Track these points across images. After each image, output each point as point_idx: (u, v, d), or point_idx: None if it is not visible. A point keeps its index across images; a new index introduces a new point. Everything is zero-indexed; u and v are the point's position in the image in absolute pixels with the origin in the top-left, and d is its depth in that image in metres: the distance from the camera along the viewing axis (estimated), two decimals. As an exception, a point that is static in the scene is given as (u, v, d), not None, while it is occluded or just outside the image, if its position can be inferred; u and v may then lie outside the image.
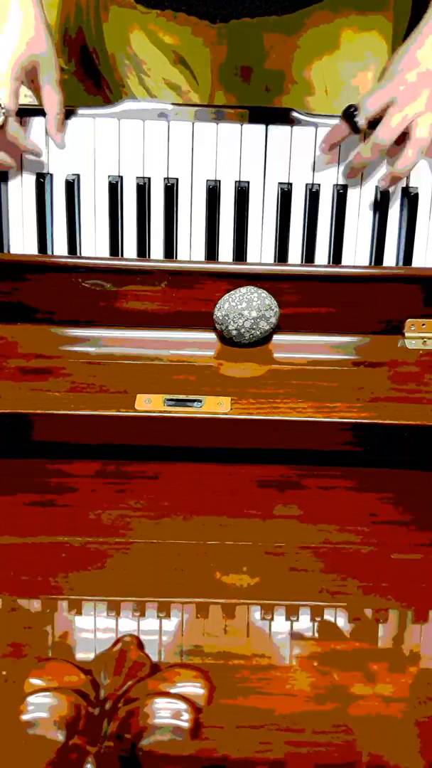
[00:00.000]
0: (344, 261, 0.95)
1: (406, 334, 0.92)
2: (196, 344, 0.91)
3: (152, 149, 0.93)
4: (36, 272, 0.90)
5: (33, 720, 0.56)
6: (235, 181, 0.94)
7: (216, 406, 0.81)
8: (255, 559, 0.73)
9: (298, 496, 0.80)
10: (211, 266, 0.92)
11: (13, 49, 0.86)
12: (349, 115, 0.90)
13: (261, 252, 0.95)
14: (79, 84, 1.10)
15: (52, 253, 0.95)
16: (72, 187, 0.93)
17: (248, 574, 0.72)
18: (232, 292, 0.89)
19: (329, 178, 0.94)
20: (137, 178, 0.93)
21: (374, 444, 0.81)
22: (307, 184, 0.94)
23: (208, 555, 0.74)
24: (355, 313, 0.91)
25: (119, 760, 0.54)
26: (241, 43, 0.98)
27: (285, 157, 0.93)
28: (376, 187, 0.94)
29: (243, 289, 0.89)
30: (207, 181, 0.93)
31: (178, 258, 0.95)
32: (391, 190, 0.93)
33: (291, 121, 0.92)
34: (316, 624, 0.68)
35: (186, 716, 0.56)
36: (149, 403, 0.81)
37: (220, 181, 0.93)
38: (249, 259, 0.95)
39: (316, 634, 0.67)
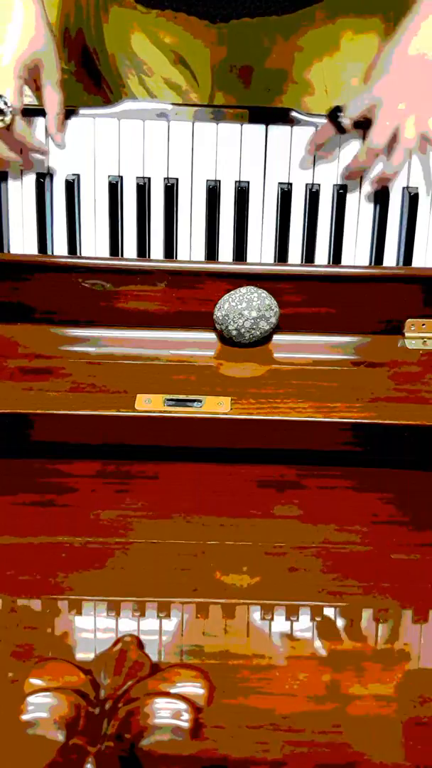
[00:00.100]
0: (344, 261, 0.95)
1: (406, 334, 0.92)
2: (196, 344, 0.91)
3: (152, 149, 0.93)
4: (36, 272, 0.90)
5: (33, 720, 0.56)
6: (235, 181, 0.94)
7: (216, 406, 0.81)
8: (255, 559, 0.73)
9: (298, 496, 0.80)
10: (211, 266, 0.92)
11: (16, 47, 0.86)
12: (334, 116, 0.90)
13: (261, 252, 0.95)
14: (79, 84, 1.10)
15: (52, 253, 0.95)
16: (72, 187, 0.93)
17: (248, 574, 0.72)
18: (232, 292, 0.89)
19: (329, 178, 0.94)
20: (137, 178, 0.93)
21: (374, 444, 0.81)
22: (307, 184, 0.94)
23: (208, 555, 0.74)
24: (355, 313, 0.91)
25: (119, 760, 0.54)
26: (241, 43, 0.98)
27: (285, 157, 0.93)
28: (376, 187, 0.94)
29: (243, 289, 0.89)
30: (207, 181, 0.93)
31: (178, 258, 0.95)
32: (391, 190, 0.93)
33: (291, 121, 0.92)
34: (316, 624, 0.68)
35: (186, 716, 0.56)
36: (149, 403, 0.81)
37: (220, 181, 0.93)
38: (249, 259, 0.95)
39: (316, 634, 0.67)
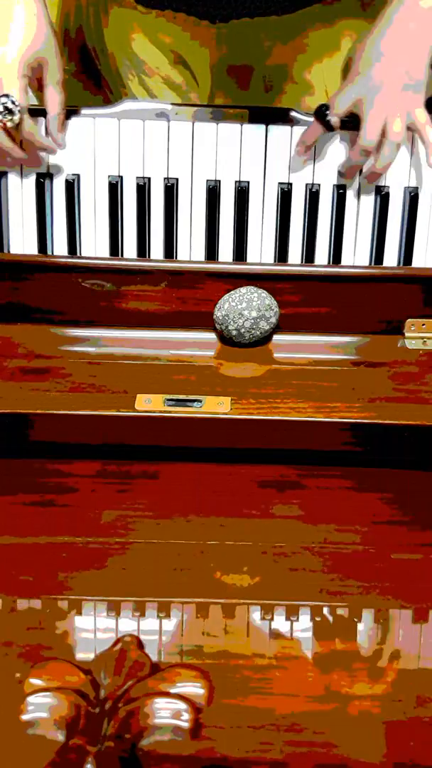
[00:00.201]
0: (344, 261, 0.95)
1: (406, 334, 0.92)
2: (196, 344, 0.91)
3: (152, 149, 0.93)
4: (36, 272, 0.90)
5: (33, 720, 0.56)
6: (235, 181, 0.94)
7: (216, 406, 0.81)
8: (255, 559, 0.73)
9: (298, 496, 0.80)
10: (211, 266, 0.92)
11: (19, 47, 0.86)
12: (321, 114, 0.90)
13: (261, 252, 0.95)
14: (79, 84, 1.10)
15: (52, 253, 0.95)
16: (72, 187, 0.93)
17: (248, 574, 0.72)
18: (232, 292, 0.89)
19: (329, 178, 0.94)
20: (137, 178, 0.93)
21: (374, 444, 0.81)
22: (307, 184, 0.94)
23: (208, 555, 0.74)
24: (355, 313, 0.91)
25: (119, 760, 0.54)
26: (241, 43, 0.98)
27: (285, 157, 0.93)
28: (377, 187, 0.94)
29: (243, 289, 0.89)
30: (207, 181, 0.93)
31: (178, 258, 0.95)
32: (392, 190, 0.93)
33: (291, 121, 0.92)
34: (316, 624, 0.68)
35: (186, 716, 0.56)
36: (149, 403, 0.81)
37: (220, 181, 0.93)
38: (249, 259, 0.95)
39: (316, 634, 0.67)
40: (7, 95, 0.84)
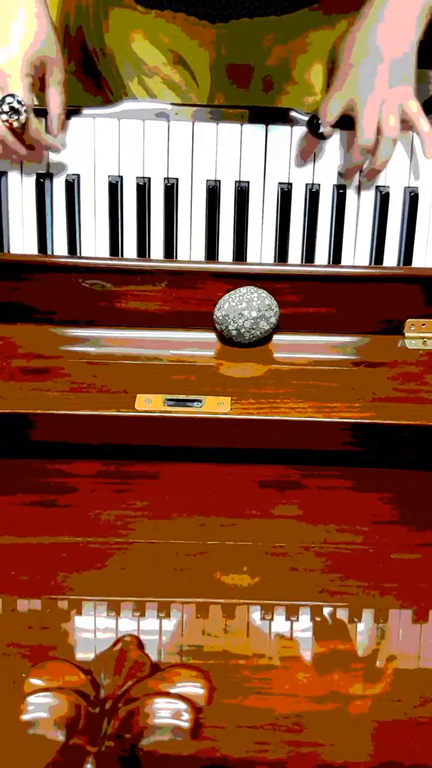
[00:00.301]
0: (344, 261, 0.95)
1: (406, 334, 0.92)
2: (196, 344, 0.91)
3: (152, 149, 0.93)
4: (36, 272, 0.90)
5: (33, 720, 0.56)
6: (235, 181, 0.94)
7: (216, 406, 0.81)
8: (255, 559, 0.73)
9: (298, 496, 0.80)
10: (211, 266, 0.92)
11: (23, 46, 0.86)
12: (313, 126, 0.90)
13: (261, 252, 0.95)
14: (79, 84, 1.10)
15: (52, 253, 0.95)
16: (72, 187, 0.93)
17: (248, 574, 0.72)
18: (232, 292, 0.89)
19: (329, 178, 0.94)
20: (137, 178, 0.93)
21: (374, 444, 0.81)
22: (307, 184, 0.94)
23: (208, 555, 0.74)
24: (355, 313, 0.91)
25: (119, 760, 0.54)
26: (240, 43, 0.98)
27: (285, 157, 0.93)
28: (376, 187, 0.94)
29: (243, 289, 0.89)
30: (207, 181, 0.93)
31: (178, 258, 0.95)
32: (392, 190, 0.93)
33: (291, 121, 0.92)
34: (316, 624, 0.68)
35: (186, 716, 0.56)
36: (149, 403, 0.81)
37: (220, 181, 0.93)
38: (249, 259, 0.95)
39: (316, 634, 0.67)
40: (12, 95, 0.84)
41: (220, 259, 0.95)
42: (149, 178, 0.93)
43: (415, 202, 0.93)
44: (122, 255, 0.95)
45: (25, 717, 0.56)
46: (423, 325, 0.91)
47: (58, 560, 0.72)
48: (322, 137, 0.91)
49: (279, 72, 1.01)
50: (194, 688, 0.59)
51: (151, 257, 0.95)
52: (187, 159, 0.93)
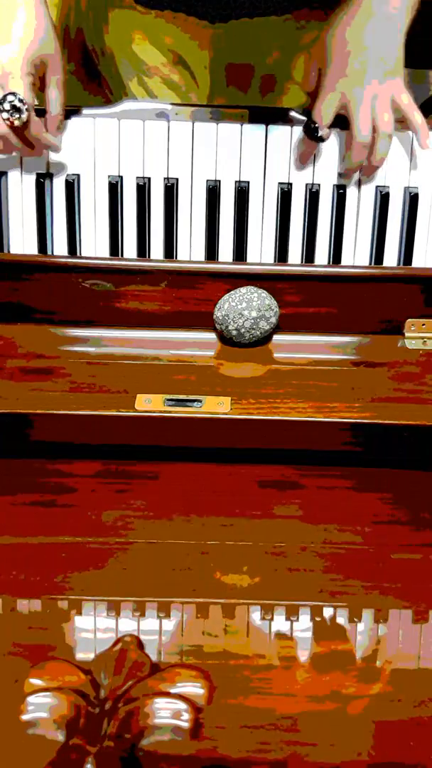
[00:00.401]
0: (344, 261, 0.95)
1: (406, 334, 0.92)
2: (196, 344, 0.91)
3: (152, 149, 0.93)
4: (36, 272, 0.90)
5: (33, 720, 0.56)
6: (235, 181, 0.94)
7: (216, 406, 0.81)
8: (255, 559, 0.73)
9: (299, 496, 0.80)
10: (211, 266, 0.92)
11: (23, 45, 0.86)
12: (311, 131, 0.90)
13: (261, 252, 0.95)
14: (79, 84, 1.10)
15: (52, 253, 0.95)
16: (72, 187, 0.93)
17: (248, 574, 0.72)
18: (232, 292, 0.89)
19: (329, 178, 0.94)
20: (137, 178, 0.93)
21: (374, 444, 0.81)
22: (307, 184, 0.94)
23: (208, 555, 0.74)
24: (355, 313, 0.91)
25: (119, 760, 0.54)
26: (240, 43, 0.98)
27: (285, 157, 0.93)
28: (376, 187, 0.94)
29: (243, 289, 0.89)
30: (207, 181, 0.93)
31: (178, 258, 0.95)
32: (392, 190, 0.93)
33: (290, 121, 0.93)
34: (316, 624, 0.68)
35: (186, 716, 0.56)
36: (149, 403, 0.81)
37: (220, 181, 0.93)
38: (249, 259, 0.95)
39: (316, 634, 0.67)
40: (14, 93, 0.84)
41: (220, 259, 0.95)
42: (149, 178, 0.93)
43: (415, 202, 0.93)
44: (122, 255, 0.95)
45: (25, 717, 0.56)
46: (423, 325, 0.91)
47: (58, 560, 0.72)
48: (321, 140, 0.91)
49: (279, 72, 1.01)
50: (194, 688, 0.59)
51: (151, 257, 0.95)
52: (187, 159, 0.93)
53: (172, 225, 0.94)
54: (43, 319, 0.91)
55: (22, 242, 0.95)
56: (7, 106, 0.84)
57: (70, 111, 0.92)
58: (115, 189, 0.93)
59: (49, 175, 0.94)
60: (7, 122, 0.85)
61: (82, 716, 0.56)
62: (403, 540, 0.76)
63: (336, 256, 0.95)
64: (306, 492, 0.81)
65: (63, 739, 0.55)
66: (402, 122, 0.91)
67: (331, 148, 0.93)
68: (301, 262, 0.95)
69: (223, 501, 0.79)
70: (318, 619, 0.68)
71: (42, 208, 0.94)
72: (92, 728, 0.55)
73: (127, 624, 0.67)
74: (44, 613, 0.69)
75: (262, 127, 0.92)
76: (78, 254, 0.95)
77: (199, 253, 0.95)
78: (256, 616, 0.69)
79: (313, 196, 0.93)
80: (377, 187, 0.94)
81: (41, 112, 0.91)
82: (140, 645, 0.62)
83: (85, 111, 0.93)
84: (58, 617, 0.69)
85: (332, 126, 0.91)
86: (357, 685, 0.61)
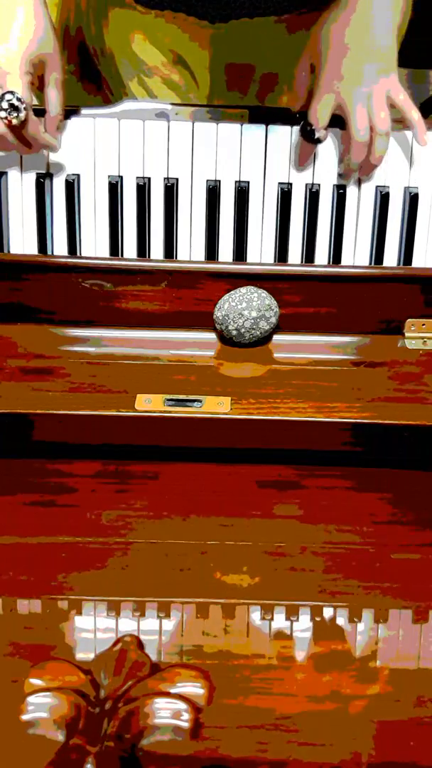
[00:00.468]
0: (344, 261, 0.95)
1: (406, 334, 0.92)
2: (196, 344, 0.91)
3: (152, 149, 0.93)
4: (36, 272, 0.90)
5: (33, 720, 0.56)
6: (235, 181, 0.94)
7: (216, 406, 0.81)
8: (255, 559, 0.73)
9: (298, 496, 0.80)
10: (211, 266, 0.92)
11: (22, 44, 0.86)
12: (308, 133, 0.90)
13: (261, 252, 0.95)
14: (79, 84, 1.10)
15: (52, 253, 0.95)
16: (72, 187, 0.93)
17: (248, 574, 0.72)
18: (232, 292, 0.89)
19: (329, 178, 0.94)
20: (137, 178, 0.93)
21: (374, 444, 0.81)
22: (307, 184, 0.94)
23: (208, 555, 0.74)
24: (355, 313, 0.91)
25: (119, 760, 0.54)
26: (240, 43, 0.98)
27: (285, 157, 0.93)
28: (376, 187, 0.94)
29: (243, 289, 0.89)
30: (207, 181, 0.93)
31: (178, 258, 0.95)
32: (392, 190, 0.93)
33: (291, 121, 0.92)
34: (316, 624, 0.68)
35: (186, 716, 0.56)
36: (149, 403, 0.81)
37: (220, 181, 0.93)
38: (249, 259, 0.95)
39: (316, 634, 0.67)
40: (12, 92, 0.84)
41: (220, 259, 0.95)
42: (149, 178, 0.93)
43: (415, 202, 0.93)
44: (122, 255, 0.95)
45: (25, 717, 0.56)
46: (423, 325, 0.91)
47: (58, 560, 0.72)
48: (318, 142, 0.91)
49: (279, 72, 1.01)
50: (194, 688, 0.59)
51: (151, 257, 0.95)
52: (187, 159, 0.93)
53: (172, 225, 0.94)
54: (43, 319, 0.91)
55: (22, 242, 0.95)
56: (5, 104, 0.84)
57: (70, 111, 0.92)
58: (115, 189, 0.93)
59: (49, 175, 0.94)
60: (5, 121, 0.85)
61: (82, 716, 0.56)
62: (403, 540, 0.76)
63: (336, 256, 0.95)
64: (306, 492, 0.81)
65: (63, 739, 0.55)
66: (401, 122, 0.91)
67: (330, 147, 0.93)
68: (301, 262, 0.95)
69: (223, 501, 0.79)
70: (318, 619, 0.68)
71: (42, 208, 0.94)
72: (92, 728, 0.55)
73: (127, 624, 0.67)
74: (44, 613, 0.69)
75: (262, 127, 0.92)
76: (78, 254, 0.95)
77: (199, 253, 0.95)
78: (256, 616, 0.69)
79: (313, 196, 0.93)
80: (377, 187, 0.94)
81: (41, 112, 0.91)
82: (140, 645, 0.62)
83: (84, 111, 0.93)
84: (58, 617, 0.69)
85: (331, 125, 0.91)
86: (357, 685, 0.61)
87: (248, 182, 0.93)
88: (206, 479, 0.81)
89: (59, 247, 0.95)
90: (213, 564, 0.73)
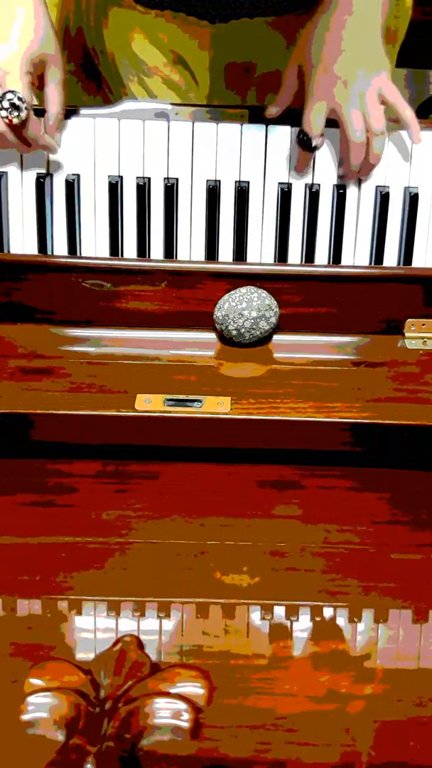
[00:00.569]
0: (344, 261, 0.95)
1: (406, 334, 0.92)
2: (196, 344, 0.91)
3: (152, 149, 0.93)
4: (36, 272, 0.90)
5: (33, 720, 0.56)
6: (235, 181, 0.94)
7: (216, 406, 0.81)
8: (255, 559, 0.73)
9: (299, 496, 0.80)
10: (211, 266, 0.92)
11: (23, 44, 0.86)
12: (304, 142, 0.91)
13: (261, 252, 0.95)
14: (79, 84, 1.10)
15: (52, 253, 0.95)
16: (72, 187, 0.93)
17: (248, 574, 0.72)
18: (232, 292, 0.89)
19: (329, 178, 0.94)
20: (137, 178, 0.93)
21: (374, 444, 0.81)
22: (307, 184, 0.94)
23: (208, 555, 0.74)
24: (355, 313, 0.91)
25: (119, 760, 0.54)
26: (240, 43, 0.98)
27: (285, 157, 0.93)
28: (376, 187, 0.94)
29: (243, 289, 0.89)
30: (207, 181, 0.93)
31: (178, 258, 0.95)
32: (392, 190, 0.93)
33: (291, 121, 0.92)
34: (315, 624, 0.68)
35: (186, 716, 0.56)
36: (149, 403, 0.81)
37: (220, 181, 0.93)
38: (249, 259, 0.95)
39: (316, 634, 0.67)
40: (12, 91, 0.84)
41: (220, 259, 0.95)
42: (149, 178, 0.93)
43: (415, 202, 0.93)
44: (122, 255, 0.95)
45: (25, 717, 0.56)
46: (423, 325, 0.91)
47: (58, 560, 0.72)
48: (315, 149, 0.91)
49: (279, 72, 1.01)
50: (194, 688, 0.59)
51: (151, 257, 0.95)
52: (187, 159, 0.93)
53: (172, 225, 0.94)
54: (43, 319, 0.91)
55: (22, 242, 0.95)
56: (6, 104, 0.84)
57: (70, 111, 0.92)
58: (115, 189, 0.93)
59: (49, 175, 0.94)
60: (6, 120, 0.85)
61: (82, 716, 0.56)
62: (403, 540, 0.76)
63: (336, 256, 0.95)
64: (306, 492, 0.81)
65: (63, 739, 0.55)
66: (397, 121, 0.91)
67: (330, 148, 0.93)
68: (301, 262, 0.95)
69: (223, 501, 0.79)
70: (318, 619, 0.68)
71: (42, 207, 0.94)
72: (92, 728, 0.55)
73: (127, 624, 0.67)
74: (44, 613, 0.69)
75: (262, 127, 0.92)
76: (78, 254, 0.95)
77: (199, 253, 0.95)
78: (256, 616, 0.69)
79: (313, 196, 0.93)
80: (377, 187, 0.94)
81: (41, 112, 0.91)
82: (140, 645, 0.62)
83: (84, 111, 0.93)
84: (58, 617, 0.69)
85: (328, 126, 0.91)
86: (356, 685, 0.61)
87: (248, 182, 0.93)
88: (206, 479, 0.81)
89: (59, 247, 0.95)
90: (213, 564, 0.73)
